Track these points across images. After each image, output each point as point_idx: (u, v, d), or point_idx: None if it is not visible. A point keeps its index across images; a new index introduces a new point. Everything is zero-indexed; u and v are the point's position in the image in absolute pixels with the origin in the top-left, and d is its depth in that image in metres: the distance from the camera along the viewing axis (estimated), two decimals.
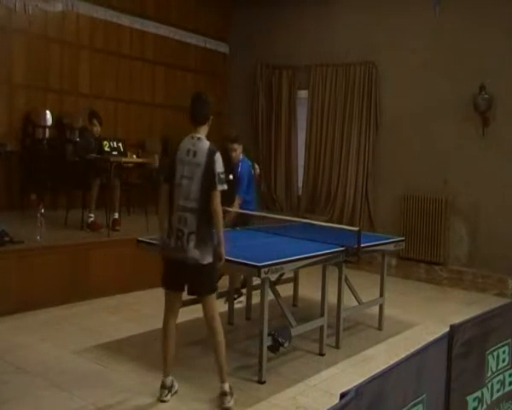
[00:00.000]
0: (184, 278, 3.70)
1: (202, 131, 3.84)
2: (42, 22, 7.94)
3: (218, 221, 3.60)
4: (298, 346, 4.81)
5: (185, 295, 5.08)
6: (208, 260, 3.63)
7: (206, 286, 3.74)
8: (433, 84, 8.06)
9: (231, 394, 3.72)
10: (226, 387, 3.71)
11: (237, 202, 5.82)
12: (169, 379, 3.78)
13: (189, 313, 5.35)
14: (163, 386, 3.77)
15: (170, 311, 3.82)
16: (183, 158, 3.63)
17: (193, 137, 3.74)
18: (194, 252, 3.59)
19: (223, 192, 3.63)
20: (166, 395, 3.75)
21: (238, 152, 6.00)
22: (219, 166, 3.62)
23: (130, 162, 7.36)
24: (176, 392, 3.83)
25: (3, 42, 7.55)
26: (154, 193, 8.23)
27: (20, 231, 5.89)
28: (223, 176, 3.63)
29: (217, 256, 3.65)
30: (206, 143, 3.72)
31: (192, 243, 3.58)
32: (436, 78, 8.05)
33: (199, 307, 5.25)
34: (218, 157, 3.65)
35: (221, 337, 3.73)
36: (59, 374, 4.09)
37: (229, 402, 3.68)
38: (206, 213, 3.58)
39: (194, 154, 3.64)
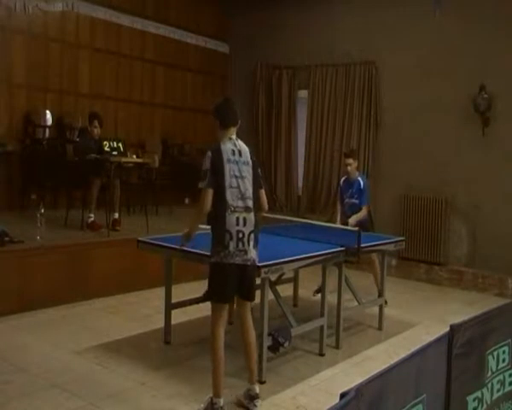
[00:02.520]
0: (242, 282, 3.53)
1: (235, 133, 3.74)
2: (42, 22, 7.94)
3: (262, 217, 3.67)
4: (298, 346, 4.81)
5: (186, 296, 5.10)
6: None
7: (254, 291, 3.70)
8: (433, 84, 8.06)
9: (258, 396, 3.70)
10: (257, 390, 3.70)
11: (365, 211, 6.25)
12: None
13: (189, 314, 5.37)
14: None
15: (222, 324, 3.59)
16: (230, 158, 3.51)
17: (231, 139, 3.64)
18: (253, 252, 3.51)
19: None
20: None
21: (353, 166, 6.39)
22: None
23: (130, 162, 7.36)
24: None
25: (3, 42, 7.55)
26: (153, 193, 8.29)
27: (20, 231, 5.89)
28: None
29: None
30: (243, 143, 3.69)
31: (252, 243, 3.49)
32: (436, 78, 8.05)
33: (199, 307, 5.27)
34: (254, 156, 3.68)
35: (254, 340, 3.75)
36: (59, 374, 4.08)
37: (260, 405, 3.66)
38: (256, 214, 3.56)
39: (240, 153, 3.57)
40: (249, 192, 3.51)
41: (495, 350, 2.67)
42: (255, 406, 3.65)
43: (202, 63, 10.27)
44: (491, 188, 7.62)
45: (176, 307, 4.90)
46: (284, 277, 5.47)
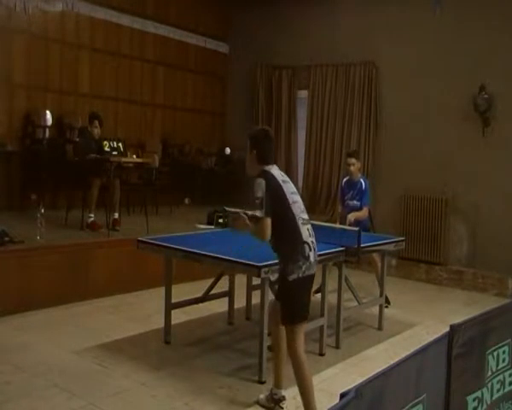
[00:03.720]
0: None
1: None
2: (42, 22, 7.94)
3: None
4: None
5: (186, 296, 5.10)
6: None
7: None
8: (433, 84, 8.06)
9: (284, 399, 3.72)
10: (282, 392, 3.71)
11: (365, 212, 6.21)
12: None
13: (189, 314, 5.37)
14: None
15: (302, 341, 3.52)
16: (283, 179, 3.59)
17: (271, 164, 3.65)
18: (316, 263, 3.55)
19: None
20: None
21: (356, 167, 6.34)
22: None
23: (130, 162, 7.36)
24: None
25: (3, 42, 7.55)
26: (153, 193, 8.29)
27: (20, 231, 5.89)
28: None
29: None
30: None
31: (315, 253, 3.54)
32: (436, 78, 8.05)
33: (199, 307, 5.28)
34: None
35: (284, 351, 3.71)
36: (59, 374, 4.08)
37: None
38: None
39: (282, 173, 3.67)
40: (303, 205, 3.60)
41: (495, 350, 2.67)
42: (281, 408, 3.67)
43: (202, 63, 10.27)
44: (491, 188, 7.62)
45: (176, 307, 4.90)
46: None
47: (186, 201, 9.75)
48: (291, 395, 3.94)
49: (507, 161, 7.51)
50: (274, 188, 3.44)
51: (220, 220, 7.22)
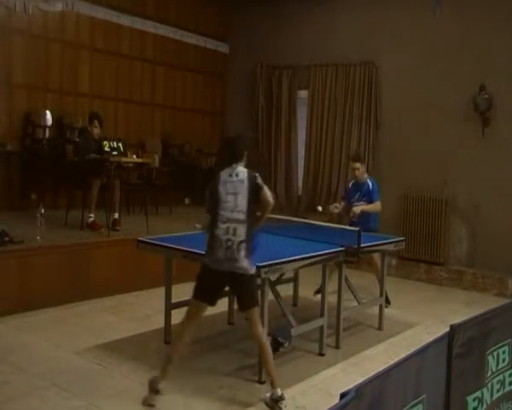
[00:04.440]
0: (234, 291, 3.77)
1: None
2: (42, 22, 7.94)
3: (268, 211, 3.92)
4: (298, 346, 4.81)
5: (186, 296, 5.09)
6: (254, 270, 3.70)
7: (254, 298, 3.78)
8: (433, 84, 8.06)
9: (284, 397, 3.70)
10: (279, 392, 3.68)
11: (378, 205, 6.20)
12: None
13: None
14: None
15: (192, 320, 3.86)
16: (226, 179, 3.76)
17: (231, 167, 3.82)
18: (244, 261, 3.62)
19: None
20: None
21: (361, 171, 6.30)
22: (260, 179, 3.85)
23: (131, 162, 7.36)
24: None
25: (3, 42, 7.55)
26: (153, 193, 8.29)
27: (20, 231, 5.89)
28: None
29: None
30: (242, 168, 3.86)
31: (243, 253, 3.62)
32: (436, 78, 8.05)
33: None
34: (259, 178, 3.85)
35: (266, 349, 3.75)
36: (59, 374, 4.08)
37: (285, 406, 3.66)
38: (251, 224, 3.72)
39: (237, 174, 3.78)
40: (241, 206, 3.69)
41: (495, 350, 2.67)
42: (280, 408, 3.65)
43: (202, 63, 10.27)
44: (491, 188, 7.62)
45: (176, 307, 4.89)
46: (284, 277, 5.47)
47: (186, 201, 9.75)
48: (290, 396, 3.94)
49: (507, 160, 7.51)
50: (210, 192, 3.79)
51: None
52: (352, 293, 5.50)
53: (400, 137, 8.46)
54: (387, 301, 6.10)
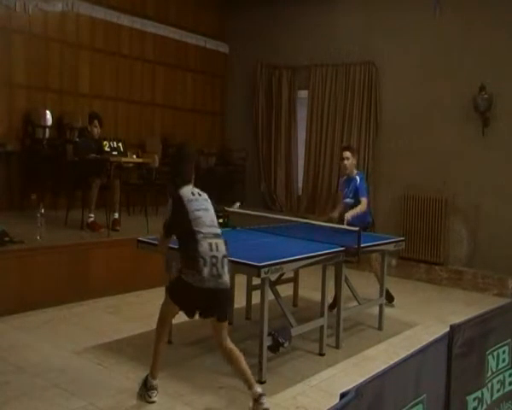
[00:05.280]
0: (214, 305, 3.61)
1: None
2: (42, 22, 7.94)
3: None
4: (298, 346, 4.81)
5: None
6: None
7: (229, 311, 3.83)
8: (433, 84, 8.06)
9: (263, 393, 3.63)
10: (259, 390, 3.61)
11: (364, 204, 5.89)
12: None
13: None
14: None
15: (170, 318, 3.90)
16: (190, 198, 3.67)
17: (188, 186, 3.77)
18: (227, 276, 3.57)
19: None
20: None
21: (350, 161, 6.09)
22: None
23: (131, 162, 7.36)
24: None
25: (3, 42, 7.55)
26: (153, 193, 8.29)
27: (20, 231, 5.89)
28: None
29: None
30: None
31: (226, 268, 3.57)
32: (436, 78, 8.05)
33: None
34: None
35: (237, 352, 3.66)
36: (59, 374, 4.08)
37: (267, 403, 3.58)
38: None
39: (199, 194, 3.75)
40: (215, 222, 3.68)
41: (495, 350, 2.67)
42: (262, 403, 3.57)
43: (202, 63, 10.27)
44: (491, 188, 7.62)
45: None
46: (284, 277, 5.47)
47: None
48: (290, 396, 3.95)
49: (507, 160, 7.51)
50: (175, 208, 3.67)
51: (220, 220, 7.20)
52: (352, 293, 5.50)
53: (400, 137, 8.46)
54: (391, 298, 6.09)
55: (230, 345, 3.67)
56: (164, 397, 3.81)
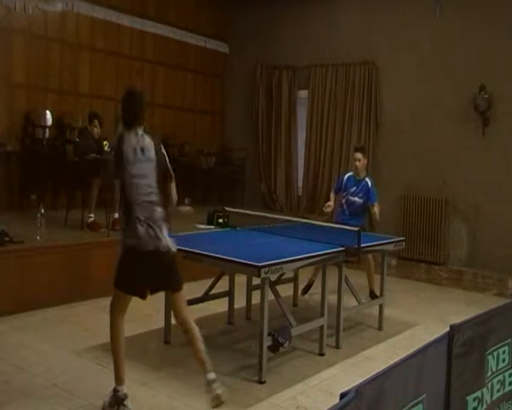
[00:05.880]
0: (158, 271, 3.52)
1: (141, 127, 3.61)
2: (42, 22, 7.94)
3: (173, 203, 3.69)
4: (298, 346, 4.81)
5: (185, 296, 5.09)
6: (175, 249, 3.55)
7: (180, 278, 3.65)
8: (433, 84, 8.06)
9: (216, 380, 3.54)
10: (212, 375, 3.54)
11: (378, 207, 6.21)
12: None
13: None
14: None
15: (123, 311, 3.72)
16: (130, 159, 3.48)
17: (136, 134, 3.53)
18: (167, 239, 3.47)
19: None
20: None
21: (362, 163, 6.31)
22: (166, 155, 3.66)
23: None
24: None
25: (3, 42, 7.54)
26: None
27: (20, 231, 5.88)
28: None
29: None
30: (148, 138, 3.58)
31: (164, 231, 3.48)
32: (436, 78, 8.05)
33: (199, 307, 5.26)
34: (163, 148, 3.66)
35: (197, 330, 3.60)
36: (59, 374, 4.08)
37: (219, 388, 3.49)
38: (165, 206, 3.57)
39: (142, 150, 3.51)
40: (152, 189, 3.50)
41: (495, 350, 2.67)
42: (212, 389, 3.48)
43: (202, 63, 10.27)
44: (491, 188, 7.62)
45: None
46: (284, 277, 5.47)
47: (186, 201, 9.74)
48: (290, 396, 3.95)
49: (507, 160, 7.51)
50: (117, 158, 3.51)
51: (220, 220, 7.22)
52: (352, 293, 5.50)
53: (400, 137, 8.46)
54: (374, 295, 6.08)
55: (190, 319, 3.60)
56: (164, 397, 3.81)
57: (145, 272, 3.51)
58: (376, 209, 6.13)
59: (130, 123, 3.53)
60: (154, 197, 3.51)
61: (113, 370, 3.60)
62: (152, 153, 3.54)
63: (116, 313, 3.68)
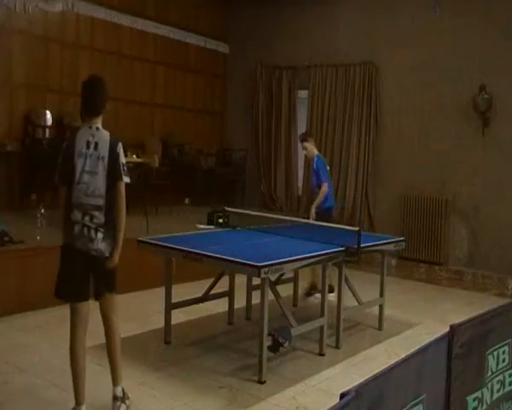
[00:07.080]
0: (90, 275, 3.36)
1: (99, 121, 3.39)
2: (42, 22, 7.94)
3: (121, 218, 3.51)
4: (298, 346, 4.81)
5: (186, 296, 5.10)
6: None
7: (112, 282, 3.51)
8: (433, 85, 8.06)
9: (124, 399, 3.50)
10: (119, 391, 3.50)
11: (323, 189, 6.06)
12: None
13: (189, 314, 5.37)
14: None
15: (80, 325, 3.46)
16: (82, 152, 3.26)
17: (91, 127, 3.33)
18: (101, 244, 3.33)
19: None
20: None
21: (309, 149, 6.36)
22: (123, 157, 3.43)
23: (130, 162, 7.35)
24: None
25: (3, 42, 7.55)
26: (153, 193, 8.29)
27: (20, 231, 5.88)
28: (126, 168, 3.47)
29: (109, 259, 3.37)
30: (106, 134, 3.36)
31: (100, 236, 3.33)
32: (436, 78, 8.05)
33: (199, 307, 5.27)
34: (121, 148, 3.41)
35: (119, 337, 3.56)
36: (59, 374, 4.08)
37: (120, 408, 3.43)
38: (112, 210, 3.43)
39: (96, 146, 3.29)
40: (100, 190, 3.34)
41: (495, 350, 2.67)
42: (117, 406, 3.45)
43: (202, 63, 10.28)
44: (491, 188, 7.63)
45: (176, 307, 4.90)
46: (284, 277, 5.47)
47: (186, 201, 9.75)
48: (290, 396, 3.95)
49: (507, 160, 7.51)
50: (65, 156, 3.31)
51: (220, 220, 7.23)
52: (352, 293, 5.49)
53: (400, 137, 8.47)
54: (332, 290, 6.03)
55: (118, 324, 3.56)
56: (164, 397, 3.81)
57: (80, 271, 3.34)
58: (312, 209, 6.04)
59: (88, 113, 3.32)
60: (101, 201, 3.34)
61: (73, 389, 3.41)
62: (105, 150, 3.30)
63: (74, 330, 3.45)
